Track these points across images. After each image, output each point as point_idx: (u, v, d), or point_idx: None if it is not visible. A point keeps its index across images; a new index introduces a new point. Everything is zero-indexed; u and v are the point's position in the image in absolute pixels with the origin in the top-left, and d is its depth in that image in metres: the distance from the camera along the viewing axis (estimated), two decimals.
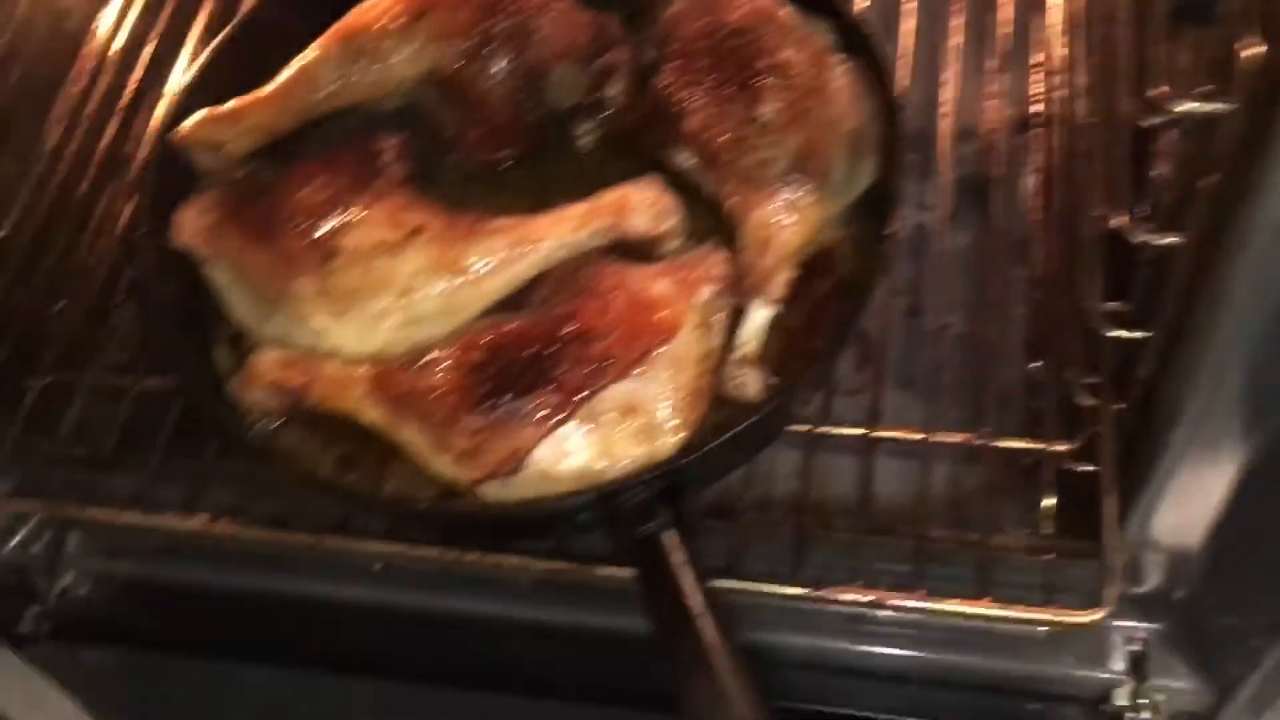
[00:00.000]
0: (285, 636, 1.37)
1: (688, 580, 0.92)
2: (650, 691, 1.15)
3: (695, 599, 0.91)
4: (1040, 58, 1.42)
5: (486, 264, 1.09)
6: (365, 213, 1.10)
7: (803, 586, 1.05)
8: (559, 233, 1.10)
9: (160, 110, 1.38)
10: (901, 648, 1.28)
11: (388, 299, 1.08)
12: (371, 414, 1.08)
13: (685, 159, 1.19)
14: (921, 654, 1.28)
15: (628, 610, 1.14)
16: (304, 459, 1.13)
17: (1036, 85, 1.41)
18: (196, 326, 1.21)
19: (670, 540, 0.95)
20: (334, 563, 1.32)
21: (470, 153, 1.24)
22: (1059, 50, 1.40)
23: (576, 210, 1.11)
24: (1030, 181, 1.37)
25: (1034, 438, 1.19)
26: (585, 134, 1.29)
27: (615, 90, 1.28)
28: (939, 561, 1.14)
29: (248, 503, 1.21)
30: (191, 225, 1.14)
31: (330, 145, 1.19)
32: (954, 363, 1.30)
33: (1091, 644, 1.25)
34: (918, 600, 1.04)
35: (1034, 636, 1.25)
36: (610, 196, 1.11)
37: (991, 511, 1.22)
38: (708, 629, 0.89)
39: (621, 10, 1.33)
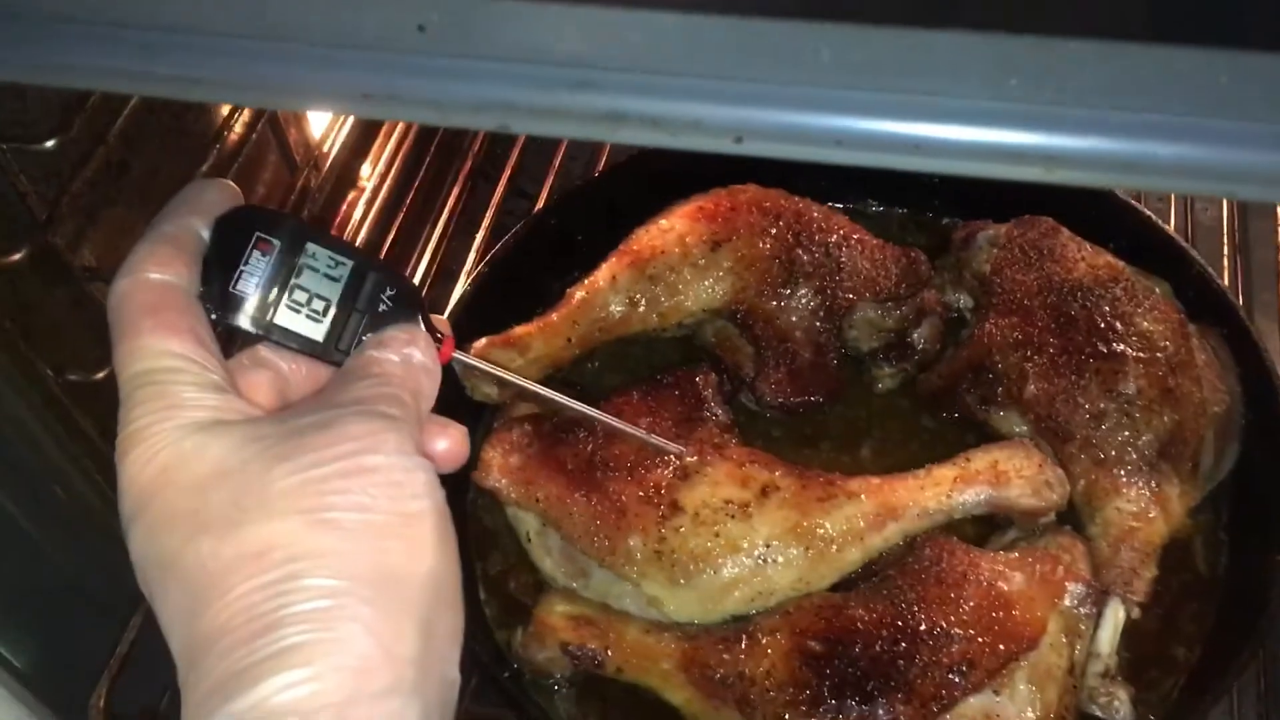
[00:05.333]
0: None
1: None
2: None
3: None
4: None
5: (848, 533, 0.98)
6: (707, 465, 1.00)
7: None
8: (925, 500, 0.99)
9: None
10: None
11: (739, 568, 0.97)
12: (681, 694, 0.96)
13: (1016, 422, 1.09)
14: None
15: None
16: None
17: None
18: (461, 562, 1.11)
19: None
20: None
21: (772, 394, 1.14)
22: None
23: (943, 475, 1.00)
24: None
25: None
26: (886, 378, 1.19)
27: (923, 335, 1.19)
28: None
29: None
30: (499, 465, 1.03)
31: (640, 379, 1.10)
32: None
33: None
34: None
35: None
36: (980, 462, 1.00)
37: None
38: None
39: (926, 242, 1.25)
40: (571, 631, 0.99)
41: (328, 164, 1.41)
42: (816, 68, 0.51)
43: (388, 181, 1.47)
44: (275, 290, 0.65)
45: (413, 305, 0.69)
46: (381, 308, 0.68)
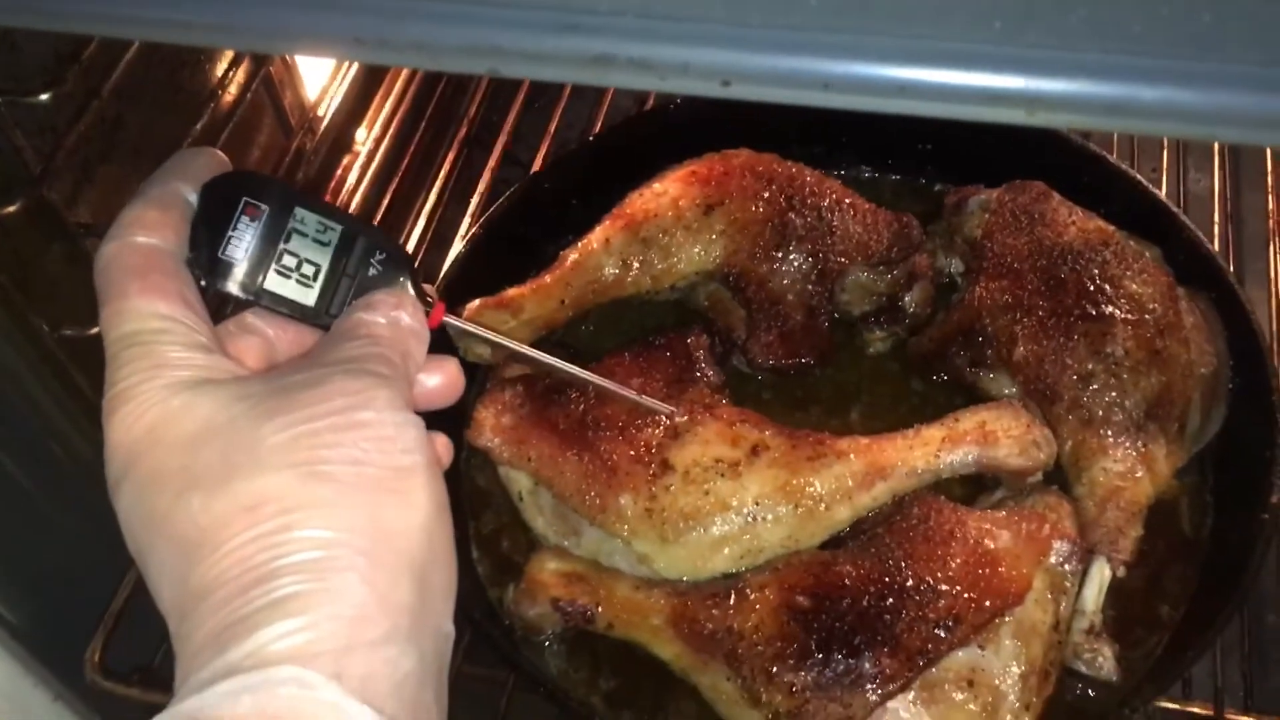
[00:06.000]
0: None
1: None
2: None
3: None
4: None
5: (837, 492, 0.98)
6: (698, 425, 1.00)
7: None
8: (913, 459, 1.00)
9: None
10: None
11: (729, 525, 0.98)
12: (670, 649, 0.97)
13: (1005, 384, 1.10)
14: None
15: None
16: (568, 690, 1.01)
17: None
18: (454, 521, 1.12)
19: None
20: None
21: (763, 355, 1.14)
22: None
23: (931, 435, 1.01)
24: None
25: None
26: (877, 341, 1.20)
27: (914, 299, 1.20)
28: None
29: None
30: (492, 425, 1.04)
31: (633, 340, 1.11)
32: None
33: None
34: None
35: None
36: (968, 422, 1.01)
37: None
38: None
39: (918, 208, 1.25)
40: (562, 588, 1.00)
41: (322, 127, 1.41)
42: (804, 10, 0.51)
43: (383, 146, 1.47)
44: (264, 255, 0.65)
45: (402, 269, 0.69)
46: (371, 271, 0.68)
